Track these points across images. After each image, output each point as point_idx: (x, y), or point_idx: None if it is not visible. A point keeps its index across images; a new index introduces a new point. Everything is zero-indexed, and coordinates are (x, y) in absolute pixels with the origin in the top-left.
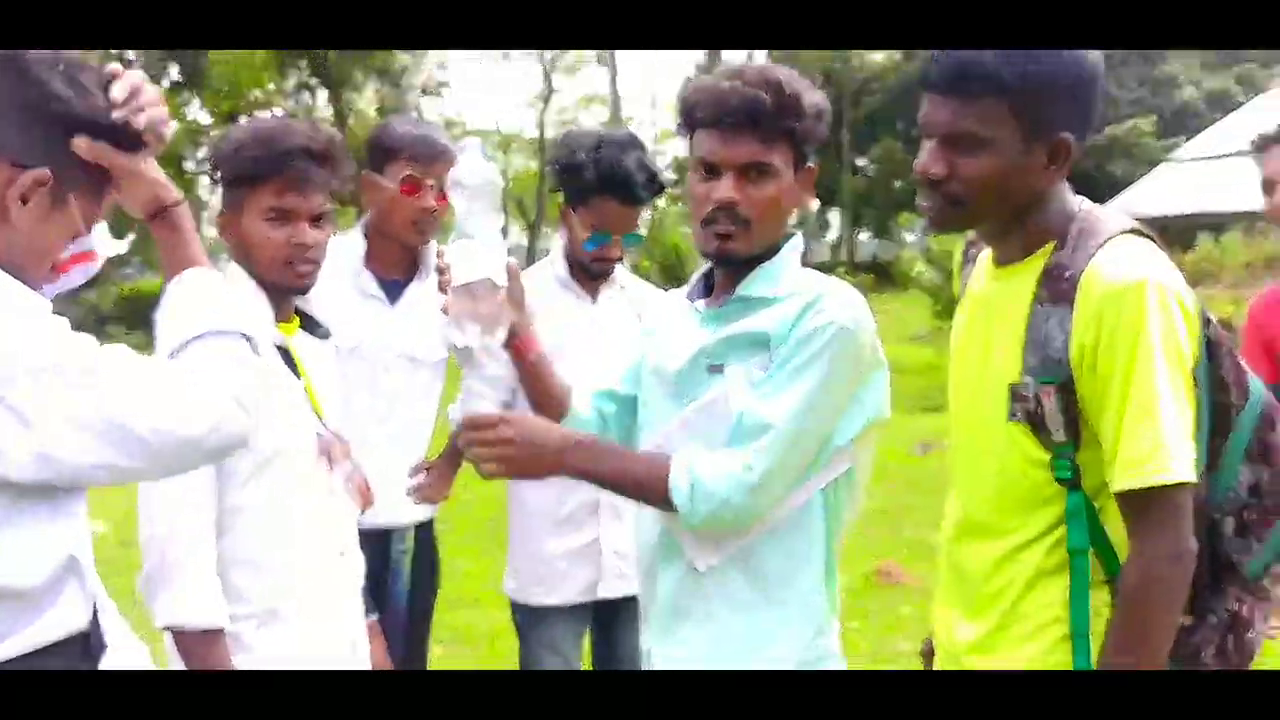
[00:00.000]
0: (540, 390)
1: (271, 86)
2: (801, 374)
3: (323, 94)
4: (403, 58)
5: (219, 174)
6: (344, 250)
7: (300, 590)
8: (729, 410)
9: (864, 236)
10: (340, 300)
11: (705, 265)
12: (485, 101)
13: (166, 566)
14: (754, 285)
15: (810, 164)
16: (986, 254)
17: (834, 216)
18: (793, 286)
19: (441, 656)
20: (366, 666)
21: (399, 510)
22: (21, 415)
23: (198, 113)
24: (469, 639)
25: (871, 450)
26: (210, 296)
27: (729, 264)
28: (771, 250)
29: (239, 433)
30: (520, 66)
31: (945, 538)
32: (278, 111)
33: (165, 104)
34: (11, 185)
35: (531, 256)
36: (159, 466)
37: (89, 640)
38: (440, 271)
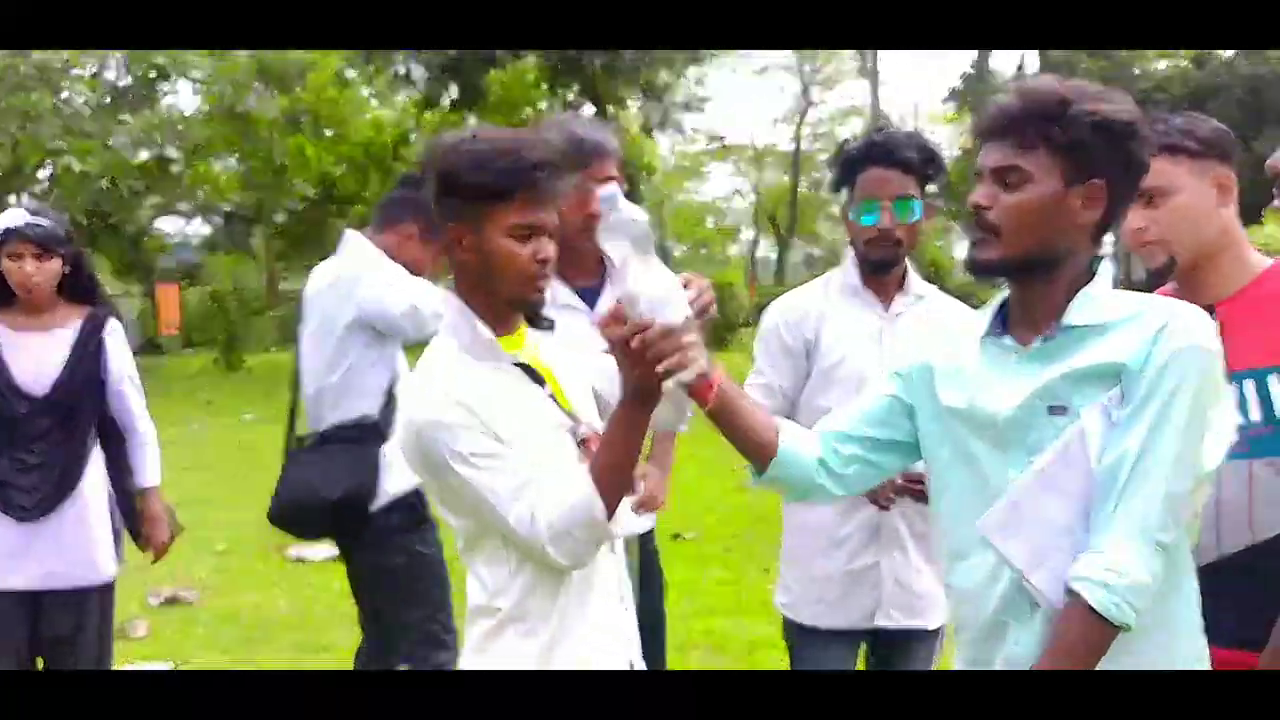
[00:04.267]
0: (735, 429)
1: (544, 105)
2: (1172, 405)
3: (588, 111)
4: (665, 75)
5: (450, 186)
6: None
7: (571, 589)
8: (1087, 455)
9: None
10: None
11: (1000, 297)
12: (743, 116)
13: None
14: (1080, 313)
15: (1098, 180)
16: None
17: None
18: (1125, 310)
19: (701, 663)
20: (640, 664)
21: (619, 522)
22: None
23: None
24: (727, 648)
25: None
26: None
27: (979, 274)
28: (1083, 274)
29: None
30: (778, 80)
31: None
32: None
33: None
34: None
35: (782, 270)
36: None
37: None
38: (616, 319)
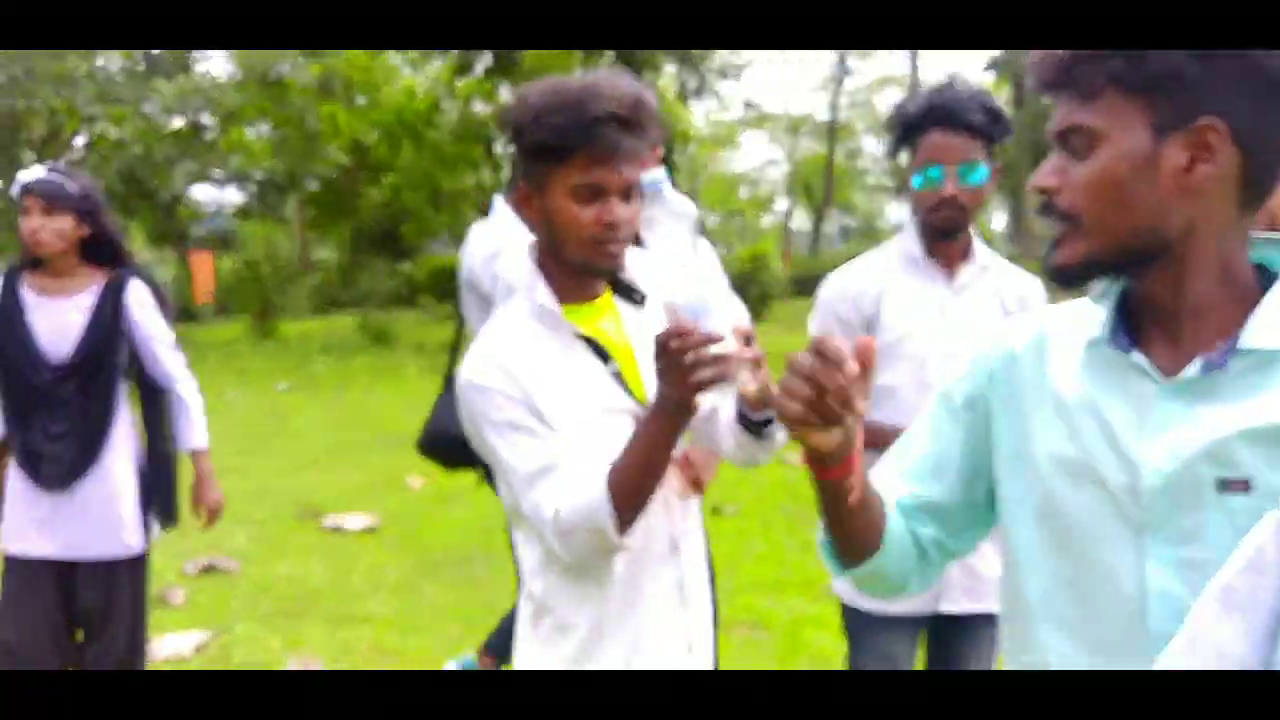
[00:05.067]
0: (858, 523)
1: (579, 71)
2: None
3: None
4: None
5: (516, 142)
6: None
7: (613, 587)
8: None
9: None
10: None
11: (1114, 286)
12: (779, 84)
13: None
14: (1268, 330)
15: (1210, 117)
16: None
17: None
18: None
19: (743, 641)
20: (707, 667)
21: (652, 529)
22: None
23: (507, 96)
24: (769, 624)
25: None
26: None
27: (1064, 283)
28: (1238, 260)
29: None
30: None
31: None
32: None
33: None
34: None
35: (816, 241)
36: None
37: None
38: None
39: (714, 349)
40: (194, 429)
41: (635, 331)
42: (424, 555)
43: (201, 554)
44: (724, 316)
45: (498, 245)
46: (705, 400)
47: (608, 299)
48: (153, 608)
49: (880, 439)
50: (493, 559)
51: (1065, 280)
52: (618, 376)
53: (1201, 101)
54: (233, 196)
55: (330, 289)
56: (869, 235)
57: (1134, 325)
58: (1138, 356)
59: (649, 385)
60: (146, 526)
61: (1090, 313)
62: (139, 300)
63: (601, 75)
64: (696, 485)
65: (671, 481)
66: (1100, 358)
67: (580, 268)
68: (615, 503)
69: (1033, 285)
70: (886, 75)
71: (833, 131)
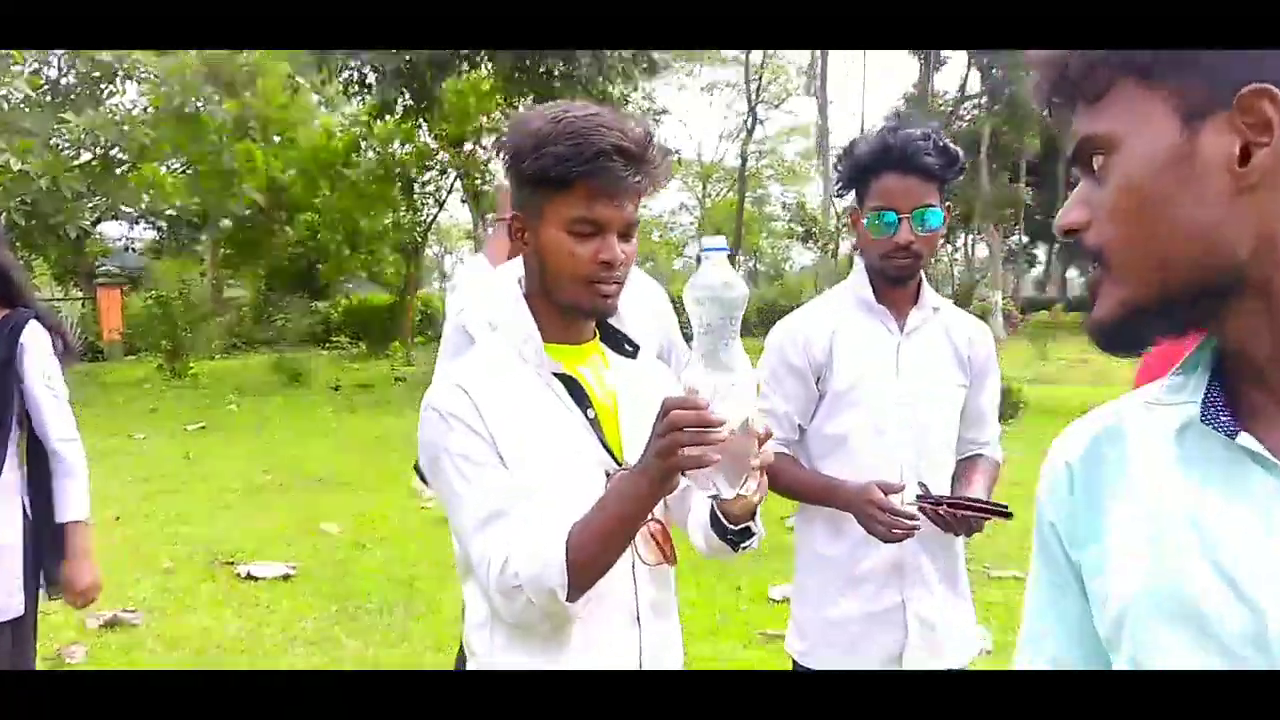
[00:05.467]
0: None
1: (499, 114)
2: None
3: None
4: (621, 87)
5: (513, 170)
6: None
7: (566, 656)
8: None
9: (1073, 272)
10: None
11: (1202, 350)
12: (690, 131)
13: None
14: None
15: (1257, 86)
16: None
17: (1041, 251)
18: None
19: None
20: None
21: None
22: None
23: (426, 137)
24: None
25: None
26: None
27: (1113, 349)
28: None
29: None
30: (724, 97)
31: None
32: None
33: None
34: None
35: None
36: None
37: None
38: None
39: (717, 435)
40: (72, 498)
41: (622, 384)
42: (343, 605)
43: (104, 607)
44: (743, 405)
45: (456, 280)
46: (684, 479)
47: (595, 345)
48: (49, 669)
49: (832, 496)
50: (416, 609)
51: (1109, 343)
52: (594, 425)
53: (1242, 69)
54: (143, 233)
55: (243, 328)
56: (776, 279)
57: (1234, 397)
58: (1247, 439)
59: (627, 441)
60: (32, 587)
61: (1176, 388)
62: (35, 345)
63: (606, 108)
64: (668, 556)
65: (643, 550)
66: (1196, 446)
67: (569, 306)
68: (570, 565)
69: (980, 328)
70: (794, 125)
71: (743, 178)
